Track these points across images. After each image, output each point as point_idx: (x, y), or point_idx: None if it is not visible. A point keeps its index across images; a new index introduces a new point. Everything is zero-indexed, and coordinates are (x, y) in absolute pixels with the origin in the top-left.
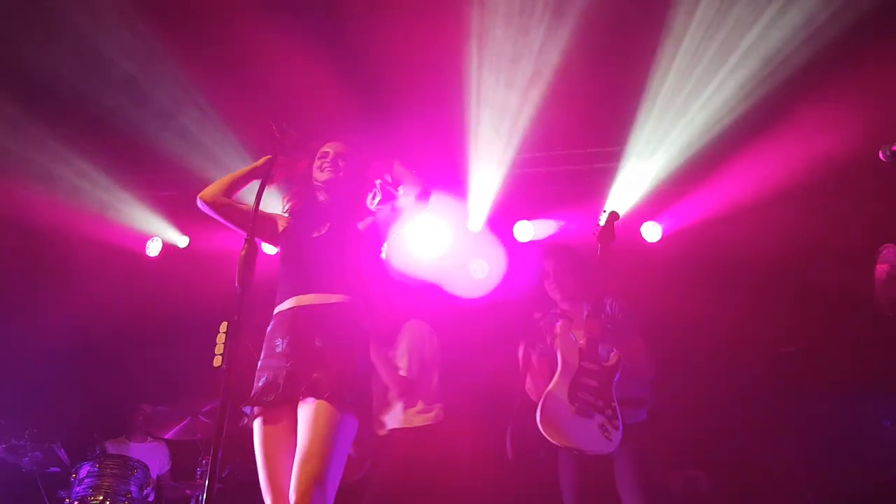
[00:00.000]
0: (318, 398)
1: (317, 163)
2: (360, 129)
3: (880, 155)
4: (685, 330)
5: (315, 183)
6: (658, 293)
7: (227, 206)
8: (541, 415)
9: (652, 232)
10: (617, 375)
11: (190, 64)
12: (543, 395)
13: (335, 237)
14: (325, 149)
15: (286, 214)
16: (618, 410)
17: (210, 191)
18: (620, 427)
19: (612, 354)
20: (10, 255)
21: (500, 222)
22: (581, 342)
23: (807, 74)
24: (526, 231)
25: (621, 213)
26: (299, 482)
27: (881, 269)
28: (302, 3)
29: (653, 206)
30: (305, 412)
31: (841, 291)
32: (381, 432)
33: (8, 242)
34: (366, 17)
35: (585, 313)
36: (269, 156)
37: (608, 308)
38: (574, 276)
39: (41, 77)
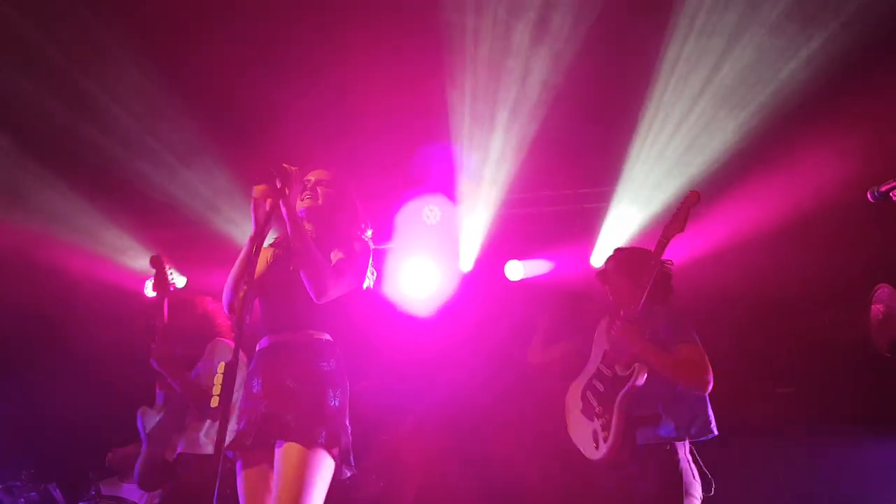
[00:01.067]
0: (290, 440)
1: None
2: (333, 163)
3: (868, 196)
4: None
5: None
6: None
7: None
8: (565, 405)
9: None
10: (625, 387)
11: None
12: (570, 387)
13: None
14: (308, 177)
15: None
16: (613, 422)
17: (229, 301)
18: (611, 439)
19: (635, 365)
20: (11, 296)
21: (491, 262)
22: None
23: (795, 115)
24: (516, 270)
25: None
26: None
27: (876, 309)
28: (287, 51)
29: (646, 246)
30: (279, 455)
31: (834, 332)
32: (170, 457)
33: (11, 284)
34: (350, 61)
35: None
36: (265, 212)
37: (656, 317)
38: (628, 278)
39: (41, 124)
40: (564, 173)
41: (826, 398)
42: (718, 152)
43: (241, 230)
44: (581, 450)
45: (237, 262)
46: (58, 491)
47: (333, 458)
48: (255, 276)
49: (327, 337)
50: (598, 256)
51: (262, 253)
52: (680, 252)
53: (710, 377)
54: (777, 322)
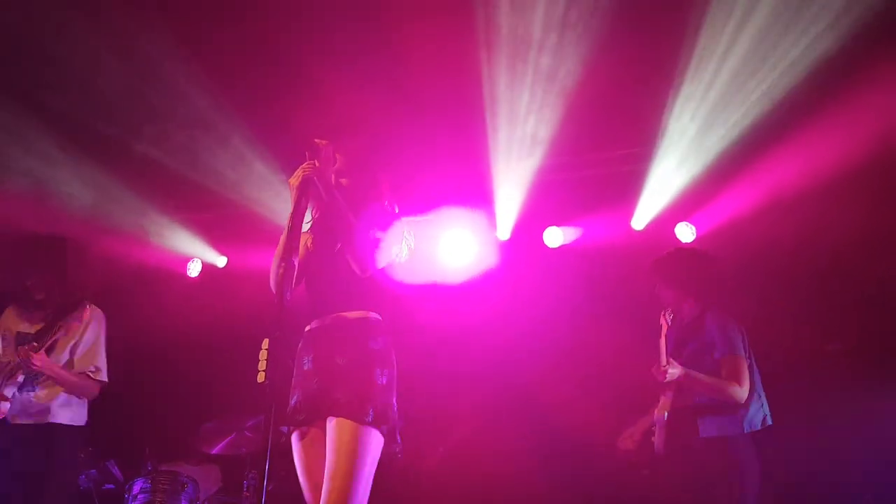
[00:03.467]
0: (339, 416)
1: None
2: (360, 136)
3: None
4: None
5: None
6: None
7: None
8: None
9: (685, 233)
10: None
11: (218, 87)
12: None
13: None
14: (337, 156)
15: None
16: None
17: (274, 282)
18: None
19: (677, 366)
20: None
21: (528, 229)
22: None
23: (842, 62)
24: (556, 237)
25: (653, 214)
26: (328, 499)
27: None
28: (333, 15)
29: (685, 207)
30: (330, 431)
31: (882, 285)
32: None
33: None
34: (377, 27)
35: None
36: (298, 186)
37: (706, 324)
38: (669, 285)
39: (82, 113)
40: (602, 136)
41: (876, 354)
42: (763, 104)
43: (281, 211)
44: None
45: (280, 244)
46: (116, 468)
47: (382, 434)
48: (298, 259)
49: (375, 315)
50: (640, 219)
51: (301, 237)
52: (730, 208)
53: (746, 390)
54: (828, 277)
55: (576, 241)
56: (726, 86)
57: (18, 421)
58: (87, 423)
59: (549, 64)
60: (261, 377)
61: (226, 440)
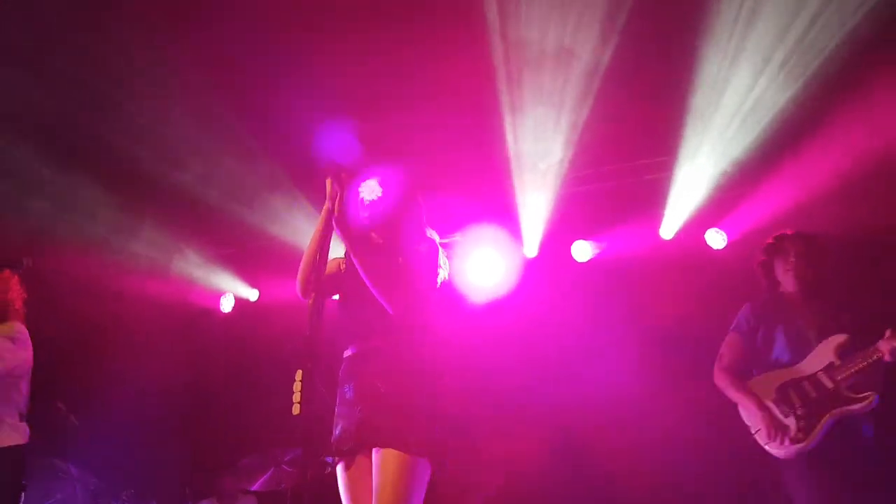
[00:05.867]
0: (385, 447)
1: (360, 196)
2: (399, 157)
3: None
4: None
5: (359, 212)
6: (729, 302)
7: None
8: (744, 386)
9: (716, 239)
10: (853, 407)
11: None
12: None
13: None
14: (368, 182)
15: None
16: (817, 430)
17: (301, 286)
18: (808, 443)
19: (870, 395)
20: (97, 322)
21: (556, 245)
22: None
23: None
24: (584, 251)
25: (682, 222)
26: None
27: None
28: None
29: (714, 213)
30: (377, 461)
31: None
32: None
33: (96, 310)
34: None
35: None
36: (329, 210)
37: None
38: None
39: (118, 163)
40: (626, 145)
41: None
42: (789, 101)
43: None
44: (753, 433)
45: (306, 253)
46: None
47: (429, 461)
48: (334, 285)
49: (417, 340)
50: (668, 228)
51: (335, 261)
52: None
53: None
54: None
55: (605, 254)
56: (749, 86)
57: None
58: (121, 457)
59: (568, 75)
60: (296, 409)
61: (265, 476)
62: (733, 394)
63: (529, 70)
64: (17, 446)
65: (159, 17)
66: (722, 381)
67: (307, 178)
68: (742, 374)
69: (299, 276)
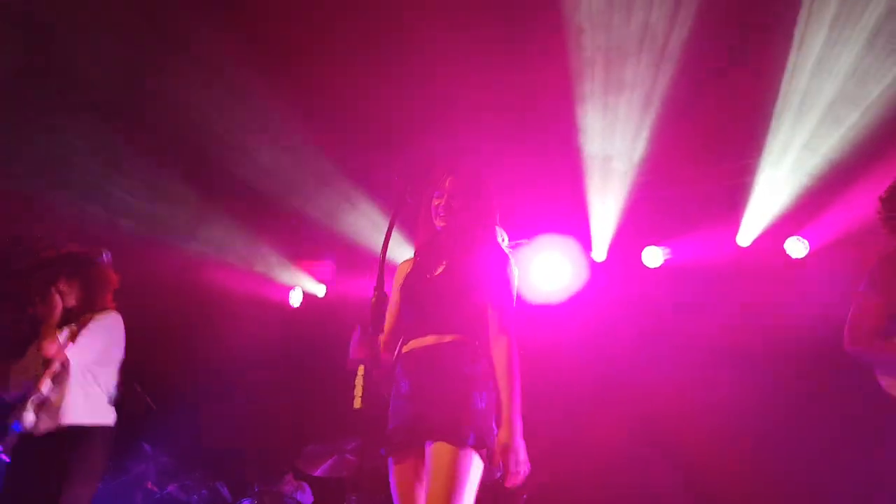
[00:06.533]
0: (438, 440)
1: (434, 201)
2: (471, 158)
3: None
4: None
5: (433, 218)
6: (809, 311)
7: None
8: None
9: (797, 248)
10: None
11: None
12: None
13: (449, 275)
14: (442, 182)
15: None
16: None
17: None
18: None
19: None
20: (177, 315)
21: (626, 249)
22: None
23: None
24: (655, 256)
25: (761, 229)
26: None
27: None
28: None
29: (796, 220)
30: (430, 455)
31: None
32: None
33: (176, 304)
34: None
35: None
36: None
37: None
38: None
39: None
40: (704, 149)
41: None
42: (877, 105)
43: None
44: None
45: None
46: (225, 488)
47: (482, 458)
48: (397, 285)
49: (474, 340)
50: (745, 235)
51: (403, 265)
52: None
53: None
54: None
55: (677, 260)
56: (836, 91)
57: (41, 430)
58: (197, 442)
59: (643, 78)
60: (357, 402)
61: (328, 462)
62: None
63: (604, 69)
64: (110, 427)
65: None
66: (869, 349)
67: (383, 183)
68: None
69: None
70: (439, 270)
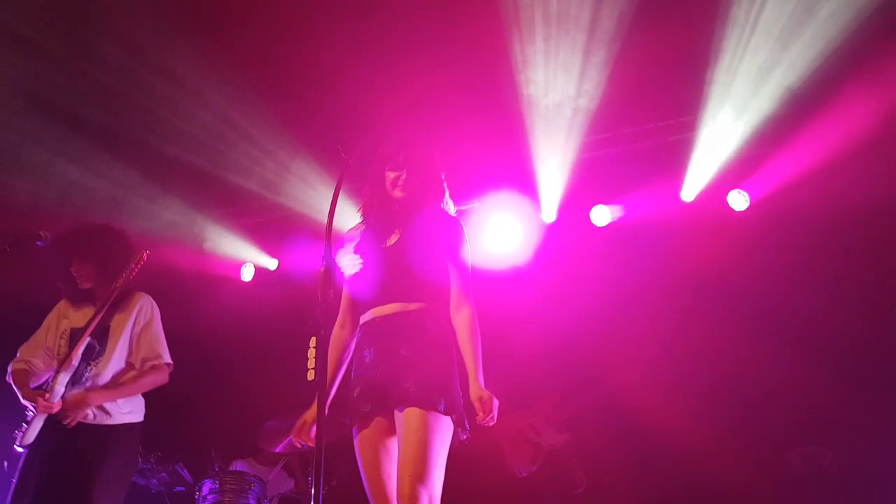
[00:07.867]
0: (411, 406)
1: (390, 173)
2: (420, 126)
3: None
4: (786, 299)
5: (384, 186)
6: (751, 263)
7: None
8: None
9: (738, 201)
10: None
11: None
12: None
13: (407, 244)
14: (396, 154)
15: (360, 225)
16: None
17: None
18: None
19: None
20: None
21: (574, 209)
22: None
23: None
24: (603, 215)
25: (703, 184)
26: (403, 485)
27: None
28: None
29: (737, 174)
30: (401, 420)
31: None
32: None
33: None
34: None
35: None
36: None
37: None
38: None
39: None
40: (645, 106)
41: None
42: (817, 51)
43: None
44: None
45: None
46: (185, 470)
47: (452, 422)
48: (348, 254)
49: (437, 307)
50: (689, 190)
51: (350, 233)
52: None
53: None
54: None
55: (624, 218)
56: (773, 44)
57: (89, 420)
58: (145, 420)
59: (586, 36)
60: (310, 375)
61: (288, 438)
62: None
63: (546, 27)
64: (139, 423)
65: None
66: None
67: (329, 154)
68: None
69: None
70: (394, 240)
